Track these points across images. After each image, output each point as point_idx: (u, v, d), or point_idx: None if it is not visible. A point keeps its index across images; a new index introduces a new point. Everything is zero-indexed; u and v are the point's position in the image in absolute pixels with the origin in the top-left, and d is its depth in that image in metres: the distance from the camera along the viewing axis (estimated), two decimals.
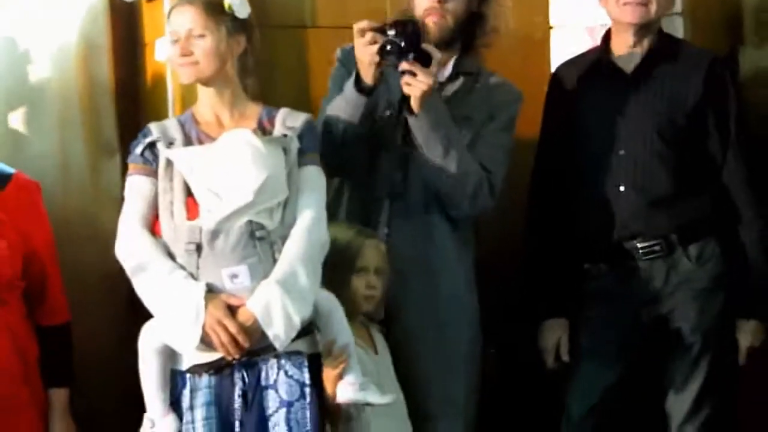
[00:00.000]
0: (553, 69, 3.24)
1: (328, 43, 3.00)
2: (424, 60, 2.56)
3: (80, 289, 2.83)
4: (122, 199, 2.67)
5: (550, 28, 3.59)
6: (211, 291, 2.30)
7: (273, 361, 2.34)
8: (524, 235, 3.03)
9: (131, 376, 2.44)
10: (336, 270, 2.48)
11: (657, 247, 2.84)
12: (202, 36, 2.39)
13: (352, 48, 2.62)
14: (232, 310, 2.29)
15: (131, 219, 2.42)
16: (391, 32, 2.54)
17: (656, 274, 2.85)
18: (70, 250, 2.84)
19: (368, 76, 2.59)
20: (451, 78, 2.79)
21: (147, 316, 2.40)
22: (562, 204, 2.94)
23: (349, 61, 2.72)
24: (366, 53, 2.57)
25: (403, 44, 2.54)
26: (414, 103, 2.59)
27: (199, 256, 2.32)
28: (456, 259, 2.79)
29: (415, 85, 2.56)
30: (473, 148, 2.71)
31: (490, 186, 2.71)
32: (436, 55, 2.58)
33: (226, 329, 2.27)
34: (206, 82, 2.45)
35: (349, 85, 2.62)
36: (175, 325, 2.31)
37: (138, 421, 2.42)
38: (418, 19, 2.68)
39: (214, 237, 2.31)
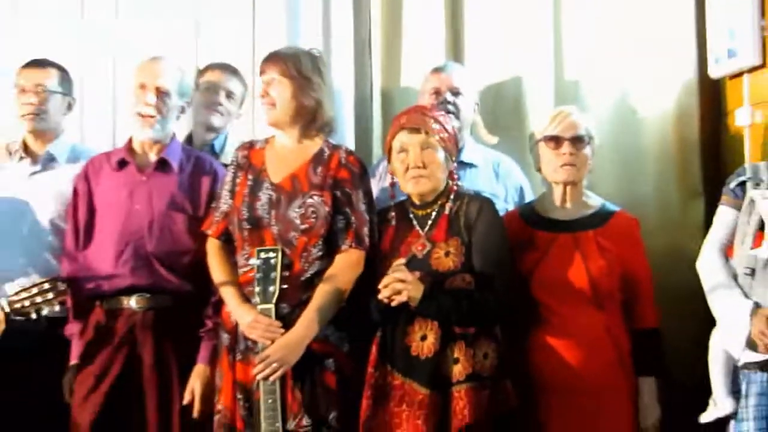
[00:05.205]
0: None
1: None
2: None
3: (669, 303, 3.18)
4: (703, 233, 3.08)
5: None
6: (759, 307, 2.64)
7: None
8: None
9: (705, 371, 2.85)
10: None
11: None
12: None
13: None
14: None
15: (712, 243, 2.83)
16: None
17: None
18: (663, 274, 3.20)
19: None
20: None
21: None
22: None
23: None
24: None
25: None
26: None
27: (752, 278, 2.66)
28: None
29: None
30: None
31: None
32: None
33: None
34: None
35: None
36: (729, 332, 2.70)
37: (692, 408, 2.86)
38: None
39: (766, 265, 2.65)
